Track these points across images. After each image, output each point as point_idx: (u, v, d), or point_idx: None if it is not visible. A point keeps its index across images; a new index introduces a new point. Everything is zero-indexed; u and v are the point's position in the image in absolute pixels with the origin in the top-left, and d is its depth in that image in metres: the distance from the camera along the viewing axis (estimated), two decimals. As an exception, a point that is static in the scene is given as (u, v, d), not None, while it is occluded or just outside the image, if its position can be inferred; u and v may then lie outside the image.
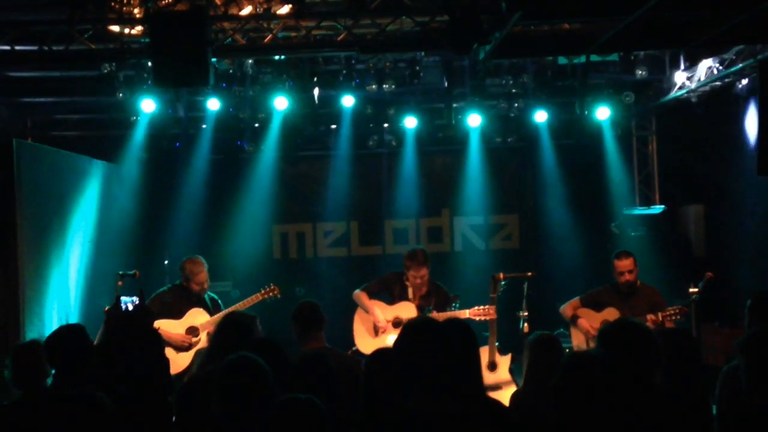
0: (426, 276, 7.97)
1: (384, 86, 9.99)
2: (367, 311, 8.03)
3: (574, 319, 7.80)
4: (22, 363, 4.62)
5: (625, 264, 7.73)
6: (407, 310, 7.87)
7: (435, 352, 4.29)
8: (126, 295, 6.58)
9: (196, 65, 6.74)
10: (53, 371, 4.66)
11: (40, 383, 4.59)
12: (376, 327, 7.96)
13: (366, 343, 7.94)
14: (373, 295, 8.11)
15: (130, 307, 4.85)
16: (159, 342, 4.71)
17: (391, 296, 8.11)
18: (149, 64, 8.09)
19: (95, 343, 4.94)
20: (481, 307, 7.72)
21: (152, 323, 5.08)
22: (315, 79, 9.70)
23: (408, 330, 4.16)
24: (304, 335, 5.65)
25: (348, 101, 10.19)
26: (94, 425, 3.04)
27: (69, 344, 4.62)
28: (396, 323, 7.86)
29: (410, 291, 8.05)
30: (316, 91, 9.87)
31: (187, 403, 4.64)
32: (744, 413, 3.54)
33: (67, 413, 3.04)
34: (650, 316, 7.33)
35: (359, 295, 8.12)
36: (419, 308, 7.88)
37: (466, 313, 7.66)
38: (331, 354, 5.33)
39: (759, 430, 3.43)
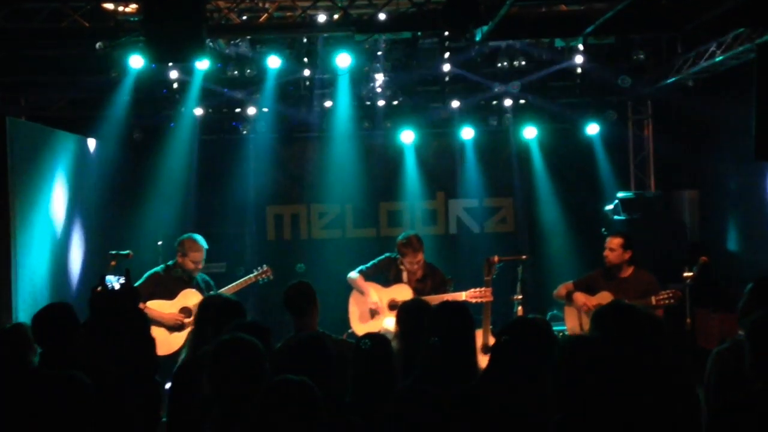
0: (421, 261, 7.95)
1: (379, 67, 9.93)
2: (362, 293, 8.01)
3: (569, 295, 7.77)
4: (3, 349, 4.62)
5: (609, 241, 7.80)
6: (403, 293, 7.86)
7: (429, 334, 4.28)
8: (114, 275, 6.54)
9: (190, 43, 6.67)
10: (40, 350, 4.63)
11: (27, 365, 4.57)
12: (372, 310, 7.94)
13: (361, 325, 7.92)
14: (368, 278, 8.09)
15: (117, 287, 4.80)
16: (145, 321, 4.69)
17: (387, 279, 8.09)
18: (143, 42, 8.03)
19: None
20: (478, 289, 7.70)
21: (138, 303, 5.05)
22: (308, 59, 9.64)
23: (403, 312, 4.15)
24: (295, 318, 5.63)
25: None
26: (72, 405, 3.02)
27: (56, 323, 4.59)
28: (392, 306, 7.84)
29: (405, 275, 8.03)
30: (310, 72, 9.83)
31: (183, 386, 4.62)
32: (743, 396, 3.52)
33: (46, 394, 3.01)
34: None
35: (354, 277, 8.10)
36: (415, 291, 7.86)
37: (462, 296, 7.65)
38: (325, 338, 5.31)
39: (760, 414, 3.41)
